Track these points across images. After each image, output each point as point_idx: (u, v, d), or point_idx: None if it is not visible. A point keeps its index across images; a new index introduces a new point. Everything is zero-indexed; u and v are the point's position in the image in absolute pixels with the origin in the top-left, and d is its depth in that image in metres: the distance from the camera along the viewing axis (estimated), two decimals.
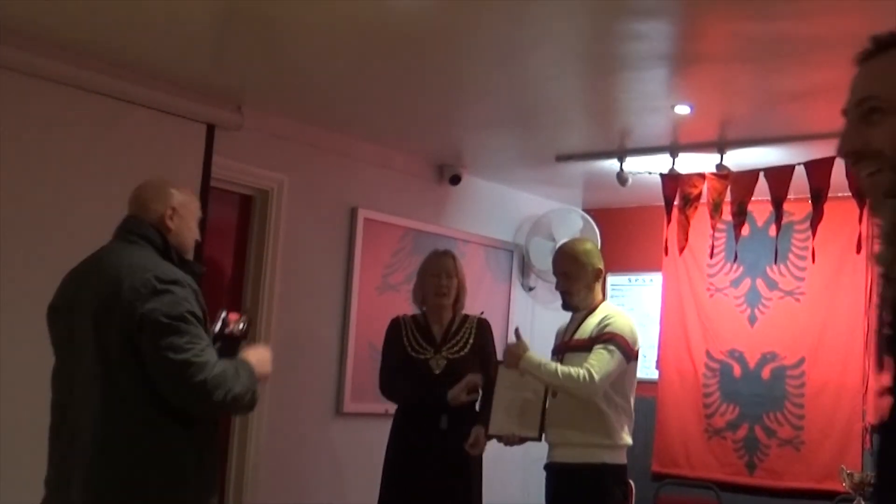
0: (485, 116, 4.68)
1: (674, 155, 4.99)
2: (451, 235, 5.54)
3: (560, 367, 3.80)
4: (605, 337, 3.87)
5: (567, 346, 4.00)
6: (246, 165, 4.71)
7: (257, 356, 2.98)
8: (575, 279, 3.98)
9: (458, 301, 4.47)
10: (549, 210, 6.20)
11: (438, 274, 4.40)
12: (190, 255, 3.05)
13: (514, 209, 6.18)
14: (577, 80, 4.11)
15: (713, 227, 4.99)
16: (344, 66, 4.02)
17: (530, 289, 6.32)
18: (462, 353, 4.36)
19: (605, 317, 3.95)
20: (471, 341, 4.41)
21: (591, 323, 3.98)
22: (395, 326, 4.51)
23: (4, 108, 3.77)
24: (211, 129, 4.43)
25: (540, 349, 3.99)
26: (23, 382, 3.78)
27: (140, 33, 3.71)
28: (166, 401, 2.75)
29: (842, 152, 1.38)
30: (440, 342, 4.40)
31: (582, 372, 3.75)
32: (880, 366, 1.25)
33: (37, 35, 3.75)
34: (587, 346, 3.92)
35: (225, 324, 3.04)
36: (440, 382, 4.29)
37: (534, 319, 6.10)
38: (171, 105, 4.26)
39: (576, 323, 4.02)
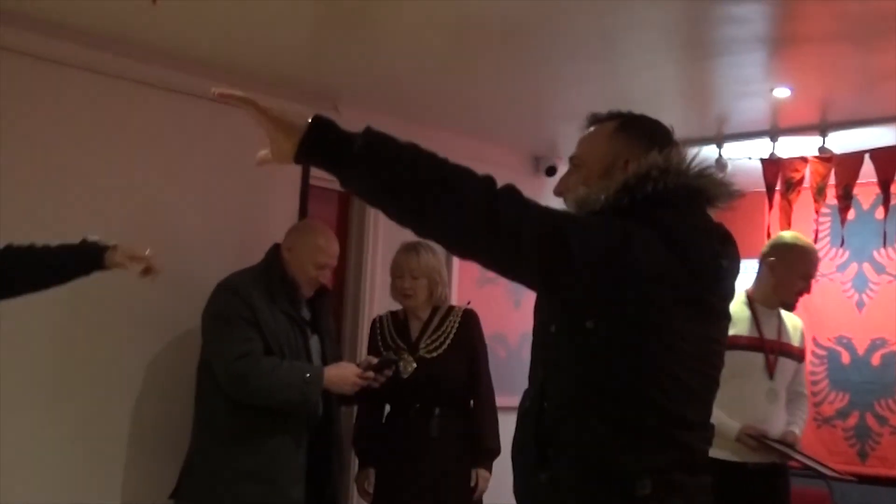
0: (579, 106, 4.60)
1: (774, 139, 4.90)
2: None
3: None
4: (803, 355, 4.19)
5: (780, 348, 4.05)
6: None
7: (338, 373, 3.62)
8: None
9: (434, 294, 4.10)
10: None
11: (402, 275, 4.06)
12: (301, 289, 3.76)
13: None
14: (673, 66, 4.06)
15: (817, 212, 4.87)
16: (437, 62, 4.05)
17: None
18: (439, 352, 3.99)
19: (798, 326, 4.18)
20: (451, 336, 4.03)
21: (794, 327, 4.15)
22: (372, 326, 4.20)
23: (117, 116, 3.90)
24: None
25: None
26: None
27: (238, 36, 3.79)
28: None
29: (556, 190, 2.21)
30: (416, 340, 4.04)
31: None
32: None
33: (139, 43, 3.87)
34: (799, 356, 4.14)
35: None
36: (410, 388, 3.95)
37: None
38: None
39: (774, 319, 4.09)
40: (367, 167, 1.76)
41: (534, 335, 2.22)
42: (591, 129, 2.26)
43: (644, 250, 1.85)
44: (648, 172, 1.97)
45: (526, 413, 2.12)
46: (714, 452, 3.91)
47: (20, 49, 3.60)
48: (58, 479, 3.67)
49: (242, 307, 3.58)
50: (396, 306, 4.26)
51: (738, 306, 4.04)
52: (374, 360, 3.75)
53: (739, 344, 3.94)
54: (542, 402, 2.02)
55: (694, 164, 2.03)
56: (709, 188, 2.03)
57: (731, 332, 4.07)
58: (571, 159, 2.22)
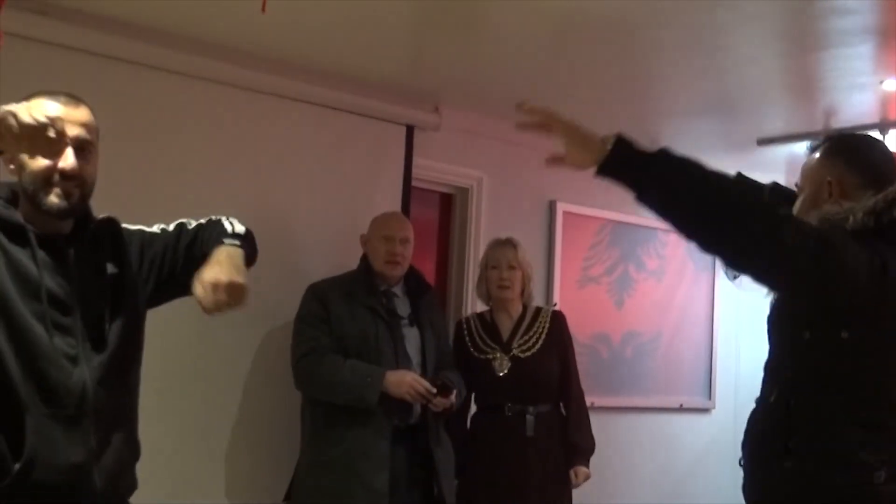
0: (682, 103, 4.61)
1: (884, 132, 4.77)
2: (649, 225, 5.47)
3: None
4: None
5: None
6: (445, 164, 4.81)
7: (397, 377, 3.58)
8: None
9: (525, 292, 4.14)
10: None
11: (498, 265, 4.08)
12: (382, 273, 3.84)
13: None
14: (778, 60, 3.99)
15: None
16: (538, 61, 4.04)
17: (735, 277, 6.14)
18: (534, 350, 4.00)
19: None
20: (544, 336, 4.04)
21: None
22: (458, 327, 4.19)
23: (228, 122, 4.01)
24: (410, 131, 4.56)
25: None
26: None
27: (339, 39, 3.85)
28: None
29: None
30: (508, 339, 4.05)
31: None
32: None
33: (245, 51, 3.97)
34: None
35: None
36: (505, 386, 3.96)
37: (739, 310, 5.95)
38: (373, 109, 4.40)
39: None
40: (660, 189, 2.21)
41: (777, 343, 2.45)
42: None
43: None
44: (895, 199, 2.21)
45: (770, 410, 2.34)
46: None
47: (135, 60, 3.73)
48: (165, 476, 3.72)
49: (317, 306, 3.73)
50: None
51: None
52: (436, 382, 3.66)
53: None
54: (787, 401, 2.28)
55: None
56: None
57: None
58: (796, 185, 2.58)
